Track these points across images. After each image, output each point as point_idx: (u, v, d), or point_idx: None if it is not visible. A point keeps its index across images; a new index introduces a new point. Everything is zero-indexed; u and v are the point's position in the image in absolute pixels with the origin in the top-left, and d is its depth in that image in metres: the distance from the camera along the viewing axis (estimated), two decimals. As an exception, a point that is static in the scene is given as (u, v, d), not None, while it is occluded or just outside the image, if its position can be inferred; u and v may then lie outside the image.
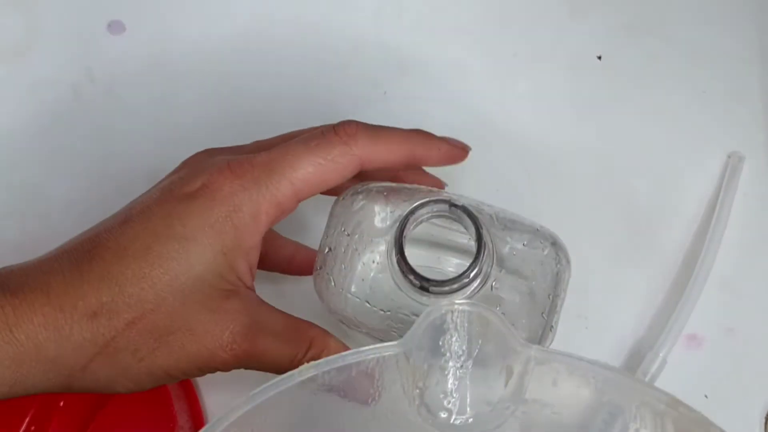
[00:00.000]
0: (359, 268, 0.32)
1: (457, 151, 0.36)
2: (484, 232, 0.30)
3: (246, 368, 0.32)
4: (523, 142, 0.44)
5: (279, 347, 0.31)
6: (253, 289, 0.33)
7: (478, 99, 0.45)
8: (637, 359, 0.40)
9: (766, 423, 0.40)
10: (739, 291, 0.42)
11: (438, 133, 0.36)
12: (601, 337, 0.41)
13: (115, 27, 0.45)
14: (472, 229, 0.30)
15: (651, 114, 0.45)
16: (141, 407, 0.38)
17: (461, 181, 0.43)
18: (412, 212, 0.30)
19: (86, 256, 0.30)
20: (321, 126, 0.35)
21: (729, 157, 0.43)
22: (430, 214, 0.31)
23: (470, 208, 0.30)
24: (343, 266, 0.32)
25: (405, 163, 0.34)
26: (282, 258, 0.39)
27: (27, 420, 0.37)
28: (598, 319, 0.42)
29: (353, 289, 0.32)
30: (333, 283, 0.32)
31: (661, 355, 0.39)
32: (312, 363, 0.26)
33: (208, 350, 0.31)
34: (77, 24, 0.45)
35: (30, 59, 0.44)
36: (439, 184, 0.38)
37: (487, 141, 0.44)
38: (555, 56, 0.46)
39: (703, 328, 0.41)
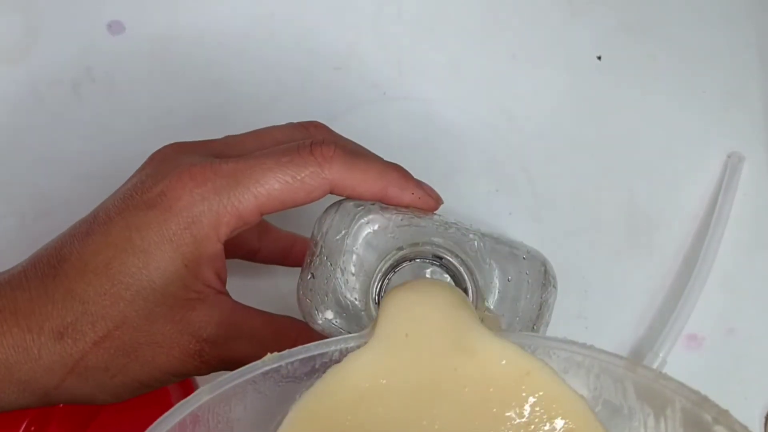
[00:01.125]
0: (340, 300, 0.32)
1: (430, 201, 0.33)
2: (469, 286, 0.31)
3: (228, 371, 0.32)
4: (523, 142, 0.44)
5: (256, 350, 0.30)
6: (224, 293, 0.32)
7: (477, 99, 0.45)
8: (637, 359, 0.40)
9: (766, 423, 0.40)
10: (739, 291, 0.42)
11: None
12: (601, 337, 0.41)
13: (115, 27, 0.45)
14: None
15: (651, 114, 0.45)
16: (140, 408, 0.38)
17: (461, 182, 0.43)
18: (393, 268, 0.31)
19: (51, 272, 0.30)
20: (298, 124, 0.34)
21: (729, 157, 0.43)
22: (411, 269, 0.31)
23: (454, 265, 0.31)
24: (324, 294, 0.32)
25: (375, 199, 0.32)
26: (278, 251, 0.39)
27: (27, 420, 0.37)
28: (598, 319, 0.42)
29: (330, 316, 0.32)
30: (315, 310, 0.32)
31: (661, 355, 0.39)
32: (275, 354, 0.26)
33: (178, 360, 0.30)
34: (77, 24, 0.45)
35: (30, 59, 0.44)
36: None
37: (487, 141, 0.44)
38: (555, 56, 0.46)
39: (703, 328, 0.41)
